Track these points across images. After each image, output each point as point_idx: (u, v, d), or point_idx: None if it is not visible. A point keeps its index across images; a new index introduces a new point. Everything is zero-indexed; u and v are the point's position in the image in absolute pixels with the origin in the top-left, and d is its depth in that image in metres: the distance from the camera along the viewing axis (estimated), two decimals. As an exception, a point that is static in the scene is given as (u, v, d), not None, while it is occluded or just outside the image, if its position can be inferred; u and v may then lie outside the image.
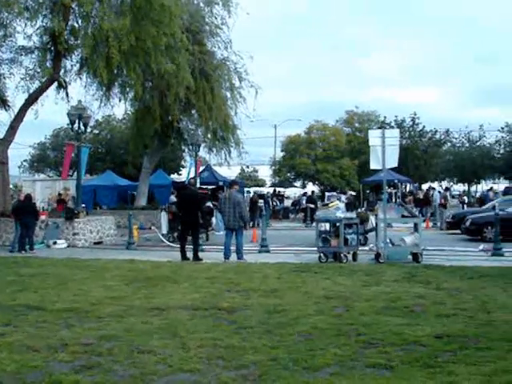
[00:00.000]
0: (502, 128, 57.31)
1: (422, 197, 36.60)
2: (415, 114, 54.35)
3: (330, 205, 18.24)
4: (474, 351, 6.60)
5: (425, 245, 17.19)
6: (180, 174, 49.68)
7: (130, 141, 35.98)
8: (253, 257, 16.75)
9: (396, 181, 42.93)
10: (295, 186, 56.84)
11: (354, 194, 39.19)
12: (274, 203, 42.20)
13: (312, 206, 34.25)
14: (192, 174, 32.14)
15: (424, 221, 29.92)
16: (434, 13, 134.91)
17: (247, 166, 72.76)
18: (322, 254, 15.86)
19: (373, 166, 16.10)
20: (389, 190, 42.69)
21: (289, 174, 54.55)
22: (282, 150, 55.62)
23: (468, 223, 23.28)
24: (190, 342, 7.05)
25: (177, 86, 26.46)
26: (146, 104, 30.55)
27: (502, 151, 58.76)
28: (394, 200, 38.67)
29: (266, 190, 52.61)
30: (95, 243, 22.00)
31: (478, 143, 60.82)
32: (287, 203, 46.06)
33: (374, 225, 18.10)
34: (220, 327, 7.86)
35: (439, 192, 35.73)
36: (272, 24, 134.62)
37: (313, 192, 41.12)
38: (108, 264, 15.01)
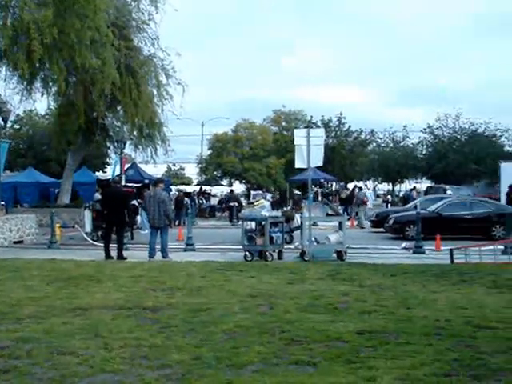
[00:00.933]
0: (425, 129, 58.99)
1: (344, 196, 37.14)
2: (341, 114, 55.39)
3: (255, 203, 18.30)
4: (393, 346, 6.75)
5: (349, 243, 17.53)
6: (105, 172, 48.84)
7: (53, 137, 34.97)
8: (178, 255, 16.64)
9: (322, 180, 43.56)
10: (222, 185, 56.88)
11: (298, 192, 39.38)
12: (201, 201, 42.07)
13: (236, 204, 34.33)
14: (117, 172, 31.61)
15: (349, 219, 30.51)
16: (359, 12, 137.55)
17: (174, 164, 72.32)
18: (247, 253, 15.91)
19: (298, 164, 16.27)
20: (315, 189, 43.37)
21: (215, 173, 54.53)
22: (208, 148, 55.55)
23: (391, 222, 23.89)
24: (113, 342, 6.92)
25: (102, 82, 25.97)
26: (69, 99, 29.82)
27: (424, 151, 60.44)
28: (319, 198, 39.22)
29: (193, 188, 52.39)
30: (15, 242, 21.30)
31: (401, 143, 62.42)
32: (214, 201, 45.99)
33: (300, 223, 18.31)
34: (144, 327, 7.75)
35: (360, 188, 36.51)
36: (200, 21, 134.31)
37: (231, 191, 41.08)
38: (29, 264, 14.53)
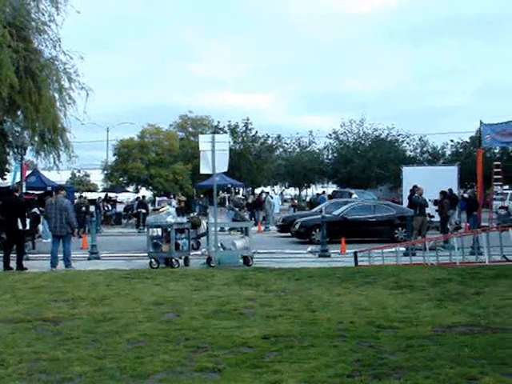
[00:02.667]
0: (330, 134, 60.42)
1: (251, 201, 37.33)
2: (248, 120, 55.68)
3: (160, 210, 18.09)
4: (298, 349, 6.81)
5: (256, 248, 17.63)
6: (4, 179, 46.90)
7: None
8: (82, 264, 16.23)
9: (229, 185, 43.70)
10: (128, 191, 55.86)
11: (242, 196, 39.01)
12: (106, 208, 41.20)
13: (144, 210, 33.89)
14: (18, 179, 30.48)
15: (256, 224, 30.73)
16: (266, 19, 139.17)
17: (78, 171, 70.46)
18: (153, 260, 15.71)
19: (203, 170, 16.24)
20: (222, 195, 43.39)
21: (121, 179, 53.52)
22: (114, 154, 54.48)
23: (297, 226, 24.21)
24: (10, 357, 6.61)
25: (-1, 85, 24.92)
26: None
27: (330, 156, 61.89)
28: (227, 204, 39.23)
29: (98, 194, 51.19)
30: None
31: (307, 149, 63.66)
32: (119, 208, 45.11)
33: (206, 229, 18.25)
34: (44, 339, 7.46)
35: (268, 194, 36.86)
36: (106, 24, 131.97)
37: (144, 197, 40.58)
38: None
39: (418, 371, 5.88)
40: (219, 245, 16.07)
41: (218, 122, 55.79)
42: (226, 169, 16.52)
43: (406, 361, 6.25)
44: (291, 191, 72.32)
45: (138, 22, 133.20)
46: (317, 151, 63.28)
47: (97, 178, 65.90)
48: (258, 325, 8.10)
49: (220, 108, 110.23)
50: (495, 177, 31.33)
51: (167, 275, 13.30)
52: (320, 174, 61.71)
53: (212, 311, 9.09)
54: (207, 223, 17.91)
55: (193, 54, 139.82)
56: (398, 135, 59.28)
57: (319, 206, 29.68)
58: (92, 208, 32.48)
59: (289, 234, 25.50)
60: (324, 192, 44.15)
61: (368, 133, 59.45)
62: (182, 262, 15.91)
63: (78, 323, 8.35)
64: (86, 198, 37.29)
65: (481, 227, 21.73)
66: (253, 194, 48.81)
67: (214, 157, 15.75)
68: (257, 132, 55.99)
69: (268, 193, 40.24)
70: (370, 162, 55.19)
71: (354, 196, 37.85)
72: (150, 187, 52.83)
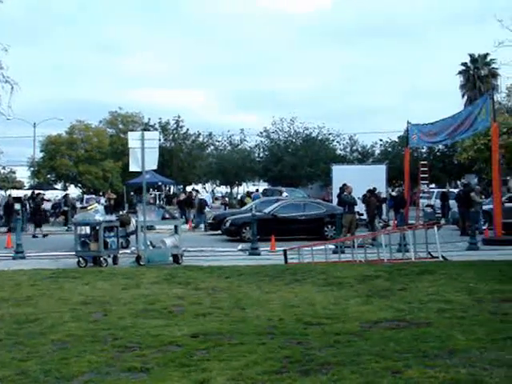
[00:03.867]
0: (261, 133, 60.68)
1: (182, 199, 37.00)
2: (179, 117, 55.42)
3: (88, 207, 17.76)
4: (227, 347, 6.81)
5: (186, 246, 17.54)
6: None
7: None
8: (6, 264, 15.75)
9: (160, 183, 43.36)
10: (56, 189, 54.66)
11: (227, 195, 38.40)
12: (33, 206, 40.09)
13: (66, 208, 33.22)
14: None
15: (186, 222, 30.56)
16: (199, 15, 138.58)
17: (3, 167, 68.36)
18: (80, 259, 15.41)
19: (132, 168, 16.05)
20: (153, 193, 43.03)
21: (49, 176, 52.32)
22: (41, 151, 53.18)
23: (228, 224, 24.21)
24: None
25: None
26: None
27: (261, 155, 62.19)
28: (158, 202, 38.92)
29: (24, 192, 49.86)
30: None
31: (239, 147, 63.79)
32: (47, 206, 44.01)
33: (135, 227, 18.01)
34: (-37, 343, 7.20)
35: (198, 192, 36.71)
36: (32, 16, 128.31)
37: (67, 195, 39.68)
38: None
39: (344, 366, 5.97)
40: (148, 243, 15.91)
41: (149, 119, 55.40)
42: (155, 166, 16.40)
43: (334, 356, 6.34)
44: (222, 189, 72.36)
45: (66, 15, 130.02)
46: (248, 149, 63.53)
47: (23, 174, 64.22)
48: (187, 323, 8.05)
49: (152, 105, 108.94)
50: (422, 175, 32.19)
51: (95, 274, 13.07)
52: (251, 172, 61.96)
53: (141, 310, 8.99)
54: (136, 221, 17.70)
55: (124, 49, 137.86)
56: (329, 134, 60.13)
57: (249, 205, 29.74)
58: (17, 206, 31.54)
59: (219, 231, 25.46)
60: (257, 190, 44.33)
61: (299, 131, 60.02)
62: (110, 260, 15.65)
63: (0, 325, 8.09)
64: (10, 195, 36.24)
65: (408, 225, 22.26)
66: (184, 191, 48.58)
67: (144, 154, 15.58)
68: (188, 129, 55.86)
69: (197, 191, 39.97)
70: (300, 160, 55.74)
71: (285, 194, 38.13)
72: (79, 185, 51.88)
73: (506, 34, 15.40)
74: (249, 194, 41.50)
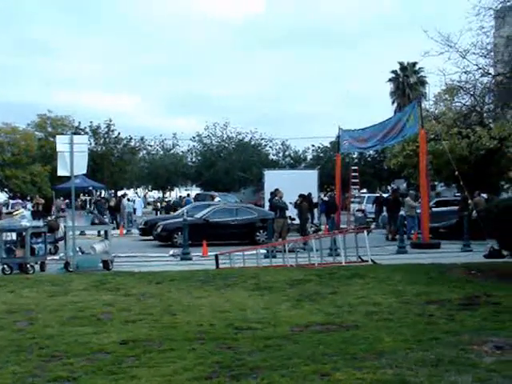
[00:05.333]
0: (194, 137, 60.50)
1: (113, 204, 36.46)
2: (110, 121, 54.51)
3: (14, 213, 17.27)
4: (157, 354, 6.73)
5: (117, 252, 17.28)
6: None
7: None
8: None
9: (91, 187, 42.61)
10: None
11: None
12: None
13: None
14: None
15: (118, 227, 30.15)
16: (135, 21, 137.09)
17: None
18: (5, 266, 14.93)
19: (60, 172, 15.72)
20: (83, 197, 42.26)
21: (-27, 180, 50.56)
22: (-36, 154, 51.37)
23: (159, 229, 23.98)
24: None
25: None
26: None
27: (193, 159, 61.99)
28: (89, 207, 38.21)
29: None
30: None
31: (171, 151, 63.40)
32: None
33: (64, 233, 17.65)
34: None
35: (129, 199, 36.19)
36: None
37: None
38: None
39: (274, 370, 5.99)
40: (77, 249, 15.59)
41: (79, 122, 54.25)
42: (84, 171, 16.14)
43: (264, 361, 6.35)
44: (155, 194, 71.70)
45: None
46: (180, 154, 63.23)
47: None
48: (116, 330, 7.92)
49: (83, 108, 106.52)
50: (353, 181, 32.83)
51: (21, 281, 12.66)
52: (183, 176, 61.66)
53: (68, 318, 8.77)
54: (65, 227, 17.32)
55: (56, 51, 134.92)
56: (262, 139, 60.52)
57: (181, 210, 29.57)
58: None
59: (151, 237, 25.20)
60: (189, 195, 44.13)
61: (232, 136, 60.20)
62: (37, 267, 15.25)
63: None
64: None
65: (339, 229, 22.60)
66: (115, 196, 47.85)
67: (73, 158, 15.28)
68: (119, 133, 55.00)
69: (124, 195, 39.25)
70: (233, 165, 55.87)
71: (217, 199, 38.12)
72: (6, 189, 50.33)
73: (431, 43, 15.78)
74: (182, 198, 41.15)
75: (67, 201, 40.40)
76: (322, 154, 59.25)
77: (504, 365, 6.13)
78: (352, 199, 35.15)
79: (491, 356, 6.49)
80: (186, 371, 6.03)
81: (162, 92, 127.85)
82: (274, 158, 61.66)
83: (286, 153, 62.52)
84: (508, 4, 15.20)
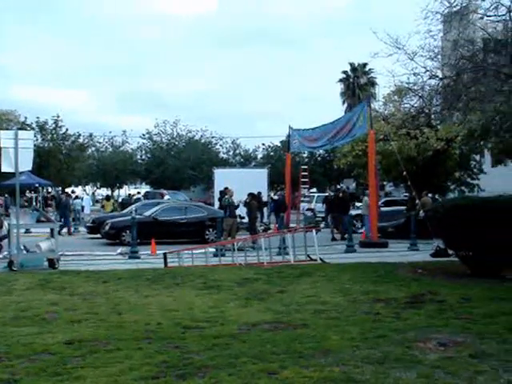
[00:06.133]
0: (144, 135, 60.00)
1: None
2: (58, 117, 53.47)
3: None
4: (103, 354, 6.62)
5: (63, 250, 16.97)
6: None
7: None
8: None
9: (37, 184, 41.75)
10: None
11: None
12: None
13: None
14: None
15: (65, 226, 29.57)
16: (85, 17, 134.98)
17: None
18: None
19: (5, 168, 15.35)
20: (29, 195, 41.40)
21: None
22: None
23: (107, 227, 23.65)
24: None
25: None
26: None
27: (143, 157, 61.46)
28: (35, 204, 37.44)
29: None
30: None
31: (121, 148, 62.68)
32: None
33: (8, 231, 17.22)
34: None
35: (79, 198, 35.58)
36: None
37: None
38: None
39: (222, 369, 5.97)
40: (22, 247, 15.24)
41: (26, 117, 53.08)
42: (30, 167, 15.80)
43: (211, 359, 6.32)
44: (103, 191, 70.81)
45: None
46: (130, 151, 62.60)
47: None
48: (61, 330, 7.77)
49: (31, 104, 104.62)
50: (303, 180, 32.98)
51: (-39, 281, 12.34)
52: (133, 174, 61.07)
53: (11, 318, 8.57)
54: (9, 224, 16.91)
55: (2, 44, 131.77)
56: (212, 137, 60.41)
57: (130, 207, 29.24)
58: None
59: (99, 235, 24.84)
60: (139, 193, 43.65)
61: (182, 134, 59.94)
62: (-20, 266, 14.88)
63: None
64: None
65: (288, 228, 22.68)
66: (63, 193, 46.99)
67: (17, 154, 14.93)
68: (67, 130, 54.01)
69: (67, 193, 38.49)
70: (183, 163, 55.62)
71: (167, 197, 37.84)
72: None
73: (381, 45, 16.00)
74: (108, 197, 40.50)
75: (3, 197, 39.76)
76: (272, 153, 59.50)
77: (447, 361, 6.25)
78: (302, 198, 35.30)
79: (435, 353, 6.61)
80: (133, 371, 5.95)
81: (112, 89, 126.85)
82: (225, 156, 61.67)
83: (237, 151, 62.62)
84: (454, 9, 15.52)
